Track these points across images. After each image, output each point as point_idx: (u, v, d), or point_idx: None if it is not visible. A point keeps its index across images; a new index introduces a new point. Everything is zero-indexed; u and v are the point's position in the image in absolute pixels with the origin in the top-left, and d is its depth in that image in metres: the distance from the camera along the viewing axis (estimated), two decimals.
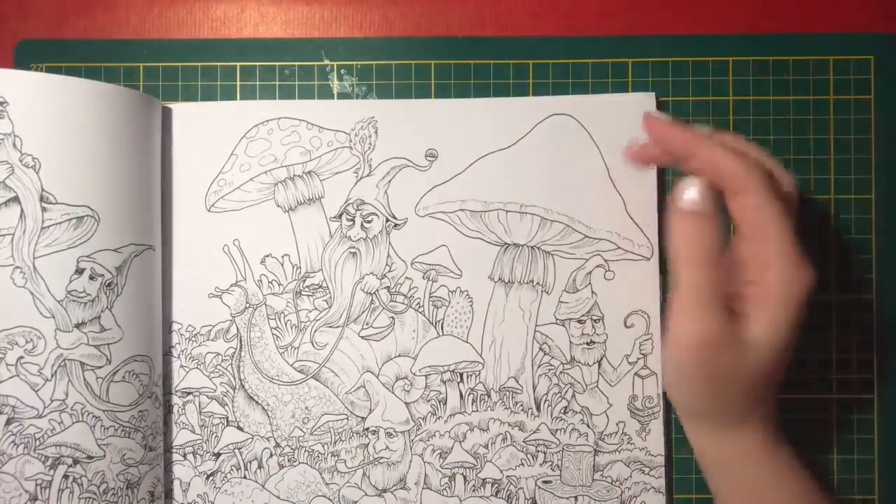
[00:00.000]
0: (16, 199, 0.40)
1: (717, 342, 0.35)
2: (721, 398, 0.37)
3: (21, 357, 0.40)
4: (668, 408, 0.45)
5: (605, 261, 0.45)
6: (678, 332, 0.36)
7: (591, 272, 0.45)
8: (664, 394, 0.45)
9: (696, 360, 0.36)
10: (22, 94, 0.40)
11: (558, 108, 0.45)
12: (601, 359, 0.45)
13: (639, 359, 0.45)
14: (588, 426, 0.45)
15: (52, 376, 0.41)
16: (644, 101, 0.45)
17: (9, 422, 0.40)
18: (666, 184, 0.46)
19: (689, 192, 0.36)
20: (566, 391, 0.45)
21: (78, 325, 0.41)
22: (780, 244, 0.35)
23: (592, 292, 0.45)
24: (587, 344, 0.45)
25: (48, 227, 0.40)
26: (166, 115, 0.45)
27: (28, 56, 0.47)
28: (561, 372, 0.45)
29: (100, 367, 0.41)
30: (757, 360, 0.36)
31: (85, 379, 0.41)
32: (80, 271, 0.41)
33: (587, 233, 0.45)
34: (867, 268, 0.46)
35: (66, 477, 0.41)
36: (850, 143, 0.46)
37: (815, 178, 0.46)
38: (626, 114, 0.45)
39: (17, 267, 0.40)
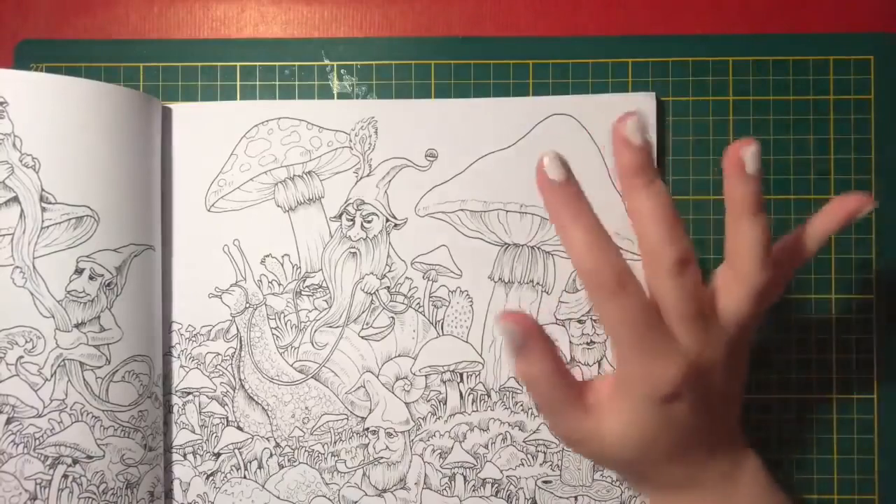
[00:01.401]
0: (15, 199, 0.40)
1: (576, 439, 0.36)
2: (617, 472, 0.42)
3: (21, 357, 0.40)
4: None
5: None
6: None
7: None
8: None
9: (574, 449, 0.37)
10: (22, 94, 0.40)
11: (558, 108, 0.45)
12: (601, 359, 0.45)
13: None
14: None
15: (52, 376, 0.41)
16: (644, 101, 0.45)
17: (8, 421, 0.40)
18: (666, 183, 0.45)
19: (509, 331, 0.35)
20: None
21: (77, 325, 0.41)
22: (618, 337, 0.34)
23: None
24: (587, 344, 0.45)
25: (48, 227, 0.40)
26: (166, 115, 0.45)
27: (28, 56, 0.47)
28: None
29: (99, 367, 0.41)
30: (616, 452, 0.36)
31: (84, 379, 0.41)
32: (79, 271, 0.41)
33: None
34: (867, 268, 0.46)
35: (65, 477, 0.41)
36: (850, 143, 0.46)
37: (815, 178, 0.46)
38: None
39: (17, 267, 0.40)
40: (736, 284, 0.35)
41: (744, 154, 0.34)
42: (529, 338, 0.35)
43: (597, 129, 0.45)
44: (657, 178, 0.34)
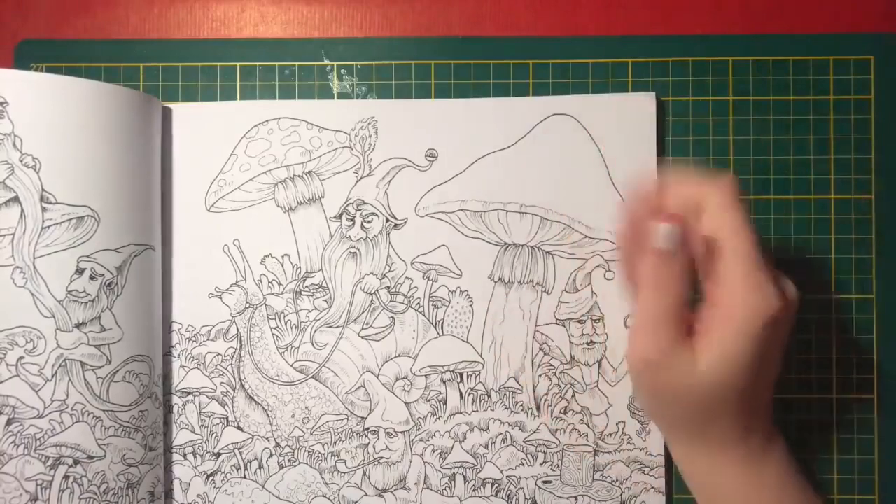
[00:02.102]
0: (16, 199, 0.40)
1: (659, 363, 0.37)
2: (671, 415, 0.39)
3: (21, 357, 0.40)
4: None
5: (606, 261, 0.45)
6: (628, 350, 0.38)
7: (591, 272, 0.45)
8: None
9: (640, 377, 0.38)
10: (22, 94, 0.40)
11: (558, 108, 0.45)
12: (601, 359, 0.45)
13: None
14: (588, 426, 0.45)
15: (53, 376, 0.41)
16: (644, 102, 0.45)
17: (9, 422, 0.40)
18: None
19: (664, 231, 0.37)
20: (566, 391, 0.45)
21: (78, 325, 0.41)
22: (745, 263, 0.36)
23: (592, 292, 0.45)
24: (587, 344, 0.45)
25: (48, 227, 0.40)
26: (166, 115, 0.45)
27: (28, 56, 0.47)
28: (561, 372, 0.45)
29: (100, 367, 0.41)
30: (704, 384, 0.37)
31: (85, 379, 0.41)
32: (80, 271, 0.41)
33: (587, 233, 0.45)
34: (867, 268, 0.46)
35: (66, 477, 0.41)
36: (850, 143, 0.46)
37: (815, 178, 0.46)
38: (627, 114, 0.45)
39: (18, 267, 0.40)
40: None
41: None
42: (684, 243, 0.37)
43: (597, 128, 0.45)
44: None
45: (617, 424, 0.45)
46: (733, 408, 0.38)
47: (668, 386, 0.37)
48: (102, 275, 0.41)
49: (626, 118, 0.45)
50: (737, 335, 0.36)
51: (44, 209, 0.40)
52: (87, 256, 0.41)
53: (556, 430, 0.45)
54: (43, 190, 0.40)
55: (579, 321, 0.45)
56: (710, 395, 0.37)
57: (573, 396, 0.45)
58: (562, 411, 0.45)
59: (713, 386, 0.37)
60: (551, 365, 0.45)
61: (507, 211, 0.45)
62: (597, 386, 0.45)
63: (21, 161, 0.40)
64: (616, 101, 0.45)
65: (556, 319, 0.45)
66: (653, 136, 0.45)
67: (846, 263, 0.46)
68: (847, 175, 0.46)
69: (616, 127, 0.45)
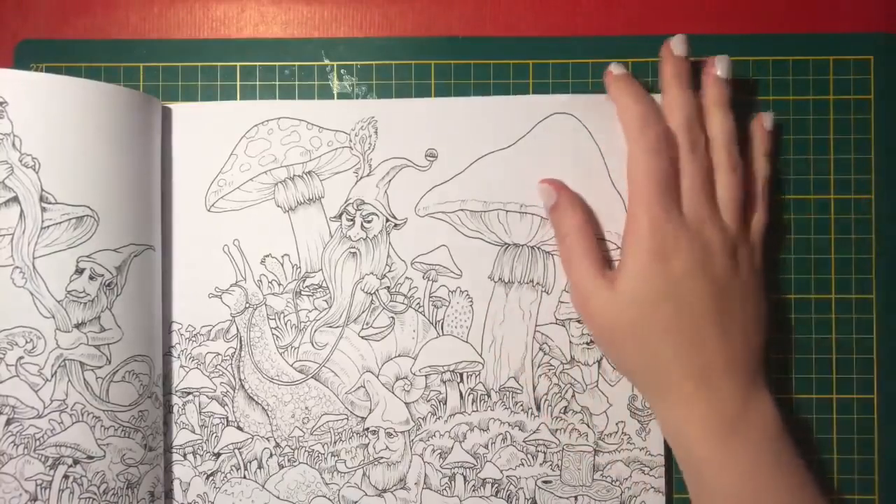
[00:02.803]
0: (15, 200, 0.40)
1: (588, 298, 0.41)
2: (622, 356, 0.42)
3: (21, 357, 0.40)
4: None
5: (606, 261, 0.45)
6: (571, 298, 0.44)
7: None
8: None
9: (584, 317, 0.43)
10: (21, 94, 0.40)
11: (559, 107, 0.45)
12: (601, 358, 0.45)
13: None
14: (588, 426, 0.45)
15: (52, 376, 0.40)
16: None
17: (9, 422, 0.40)
18: None
19: (542, 191, 0.45)
20: (566, 391, 0.45)
21: (78, 326, 0.41)
22: (631, 192, 0.41)
23: None
24: (587, 344, 0.45)
25: (48, 227, 0.40)
26: (166, 115, 0.45)
27: (28, 56, 0.47)
28: (561, 372, 0.45)
29: (100, 368, 0.41)
30: (625, 304, 0.40)
31: (85, 379, 0.41)
32: (79, 271, 0.41)
33: None
34: (867, 268, 0.46)
35: (66, 477, 0.41)
36: (850, 143, 0.46)
37: (815, 178, 0.46)
38: None
39: (17, 267, 0.40)
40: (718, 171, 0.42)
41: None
42: (560, 195, 0.43)
43: (597, 128, 0.45)
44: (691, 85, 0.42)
45: (617, 424, 0.45)
46: (682, 336, 0.39)
47: (601, 317, 0.41)
48: (102, 275, 0.41)
49: None
50: (631, 251, 0.40)
51: (43, 209, 0.40)
52: (87, 256, 0.41)
53: (556, 429, 0.45)
54: (42, 190, 0.40)
55: (579, 321, 0.45)
56: (632, 317, 0.40)
57: (573, 396, 0.45)
58: (562, 411, 0.45)
59: (623, 303, 0.40)
60: (551, 365, 0.45)
61: (508, 211, 0.45)
62: (597, 386, 0.45)
63: (20, 161, 0.40)
64: None
65: (557, 319, 0.45)
66: None
67: (846, 263, 0.46)
68: (847, 175, 0.46)
69: (618, 126, 0.44)
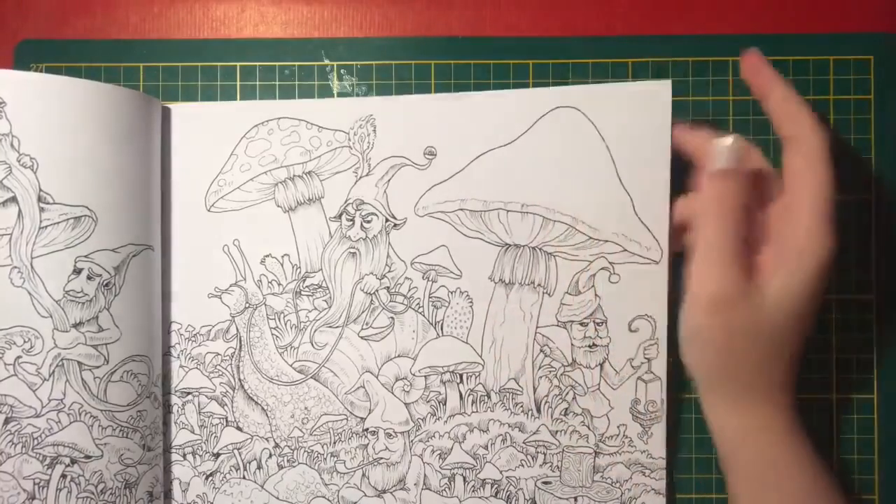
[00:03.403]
0: (13, 200, 0.40)
1: (732, 300, 0.37)
2: (737, 362, 0.38)
3: (19, 357, 0.40)
4: (671, 410, 0.45)
5: (611, 263, 0.44)
6: (697, 290, 0.38)
7: (594, 275, 0.44)
8: (668, 397, 0.44)
9: (713, 318, 0.38)
10: (20, 94, 0.40)
11: (563, 100, 0.44)
12: (603, 362, 0.45)
13: (643, 363, 0.45)
14: (588, 428, 0.45)
15: (50, 376, 0.40)
16: (658, 91, 0.43)
17: (7, 421, 0.40)
18: (677, 184, 0.44)
19: (724, 147, 0.38)
20: (567, 393, 0.45)
21: (76, 325, 0.41)
22: (815, 201, 0.37)
23: (596, 295, 0.45)
24: (589, 347, 0.45)
25: (46, 227, 0.40)
26: (166, 115, 0.45)
27: (28, 56, 0.47)
28: (562, 374, 0.45)
29: (98, 367, 0.41)
30: (771, 320, 0.37)
31: (83, 379, 0.41)
32: (77, 271, 0.41)
33: (591, 234, 0.44)
34: (867, 268, 0.46)
35: (63, 476, 0.41)
36: (850, 143, 0.46)
37: None
38: (637, 106, 0.43)
39: (15, 267, 0.40)
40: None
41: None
42: (736, 157, 0.38)
43: (604, 122, 0.44)
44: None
45: (618, 427, 0.45)
46: (789, 351, 0.38)
47: (739, 325, 0.37)
48: (100, 275, 0.41)
49: (637, 110, 0.43)
50: (804, 270, 0.37)
51: (41, 209, 0.40)
52: (85, 256, 0.41)
53: (556, 431, 0.45)
54: (40, 190, 0.40)
55: (581, 324, 0.45)
56: (774, 331, 0.37)
57: (574, 398, 0.45)
58: (562, 413, 0.45)
59: (778, 321, 0.37)
60: (552, 367, 0.45)
61: (508, 210, 0.45)
62: (598, 389, 0.45)
63: (19, 161, 0.40)
64: (626, 91, 0.44)
65: (558, 321, 0.45)
66: (667, 129, 0.43)
67: (846, 264, 0.46)
68: (847, 175, 0.46)
69: (626, 120, 0.43)
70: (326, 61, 0.47)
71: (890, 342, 0.46)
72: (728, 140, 0.38)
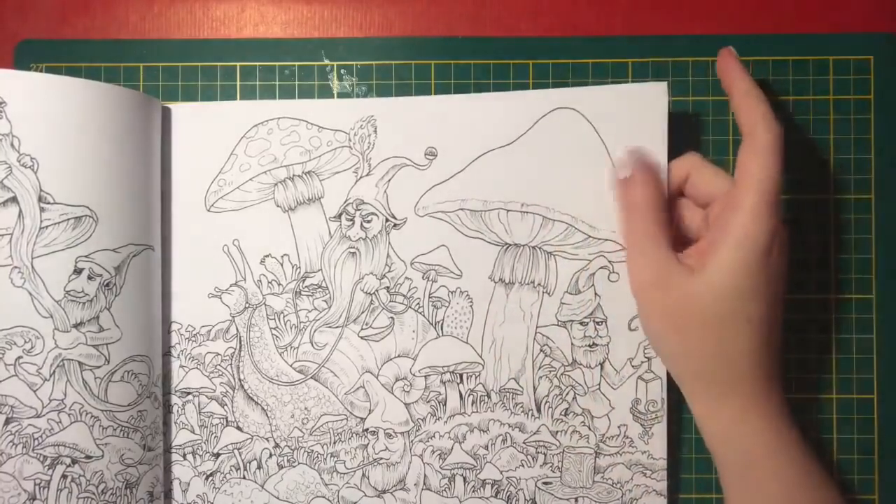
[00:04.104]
0: (14, 200, 0.40)
1: (663, 281, 0.39)
2: (695, 350, 0.39)
3: (19, 357, 0.40)
4: (672, 410, 0.45)
5: (610, 262, 0.44)
6: (630, 277, 0.42)
7: (594, 274, 0.45)
8: (668, 397, 0.44)
9: (648, 300, 0.40)
10: (20, 94, 0.40)
11: (562, 101, 0.44)
12: (603, 361, 0.45)
13: (643, 362, 0.45)
14: (589, 428, 0.45)
15: (51, 376, 0.40)
16: (655, 92, 0.43)
17: (7, 421, 0.40)
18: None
19: (621, 159, 0.42)
20: (567, 393, 0.45)
21: (76, 325, 0.41)
22: (759, 186, 0.38)
23: (596, 294, 0.45)
24: (589, 346, 0.45)
25: (46, 227, 0.40)
26: (166, 115, 0.45)
27: (28, 56, 0.47)
28: (562, 374, 0.45)
29: (98, 367, 0.41)
30: (713, 296, 0.38)
31: (83, 379, 0.41)
32: (78, 271, 0.41)
33: (591, 233, 0.44)
34: (867, 268, 0.46)
35: (64, 477, 0.41)
36: (850, 143, 0.46)
37: (815, 178, 0.46)
38: (635, 106, 0.43)
39: (16, 267, 0.40)
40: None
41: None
42: (636, 165, 0.41)
43: (602, 123, 0.44)
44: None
45: (619, 427, 0.45)
46: (749, 338, 0.38)
47: (676, 305, 0.39)
48: (101, 275, 0.41)
49: (635, 111, 0.43)
50: (742, 247, 0.38)
51: (42, 209, 0.40)
52: (86, 256, 0.41)
53: (557, 431, 0.45)
54: (41, 190, 0.40)
55: (581, 323, 0.45)
56: (724, 312, 0.38)
57: (574, 398, 0.45)
58: (562, 413, 0.45)
59: (723, 299, 0.38)
60: (552, 367, 0.45)
61: (508, 210, 0.45)
62: (598, 388, 0.45)
63: (19, 161, 0.40)
64: (624, 92, 0.44)
65: (558, 321, 0.45)
66: (664, 129, 0.43)
67: (846, 263, 0.46)
68: (847, 175, 0.46)
69: (624, 120, 0.43)
70: (326, 61, 0.47)
71: (890, 342, 0.46)
72: (625, 152, 0.42)
